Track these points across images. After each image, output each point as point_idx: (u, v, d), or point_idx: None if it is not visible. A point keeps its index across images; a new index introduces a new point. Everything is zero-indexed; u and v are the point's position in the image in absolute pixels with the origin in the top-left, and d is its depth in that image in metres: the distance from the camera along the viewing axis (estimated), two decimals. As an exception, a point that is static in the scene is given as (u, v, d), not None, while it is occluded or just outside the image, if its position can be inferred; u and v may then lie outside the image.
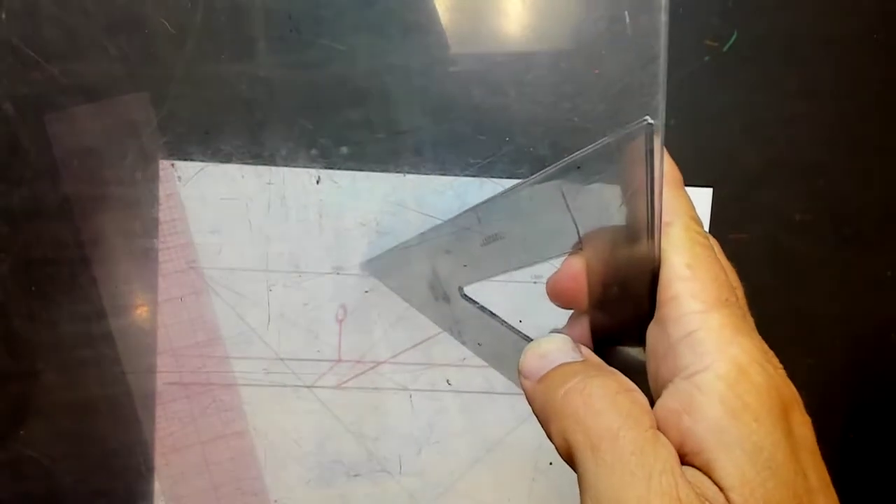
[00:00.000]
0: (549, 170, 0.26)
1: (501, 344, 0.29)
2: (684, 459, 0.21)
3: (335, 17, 0.32)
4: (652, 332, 0.23)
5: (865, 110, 0.35)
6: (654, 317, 0.23)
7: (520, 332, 0.29)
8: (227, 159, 0.33)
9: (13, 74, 0.32)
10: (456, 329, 0.31)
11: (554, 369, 0.23)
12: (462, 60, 0.33)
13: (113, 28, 0.32)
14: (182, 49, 0.32)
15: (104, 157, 0.33)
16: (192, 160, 0.33)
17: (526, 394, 0.24)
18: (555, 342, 0.25)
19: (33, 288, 0.33)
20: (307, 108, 0.33)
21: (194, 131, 0.33)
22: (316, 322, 0.34)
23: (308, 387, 0.34)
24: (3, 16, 0.31)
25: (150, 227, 0.33)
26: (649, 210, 0.23)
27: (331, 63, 0.33)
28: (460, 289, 0.30)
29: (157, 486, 0.34)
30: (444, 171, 0.34)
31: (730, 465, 0.20)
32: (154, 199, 0.33)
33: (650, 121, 0.22)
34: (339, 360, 0.34)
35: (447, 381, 0.35)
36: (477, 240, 0.28)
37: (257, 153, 0.33)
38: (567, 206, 0.26)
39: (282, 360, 0.34)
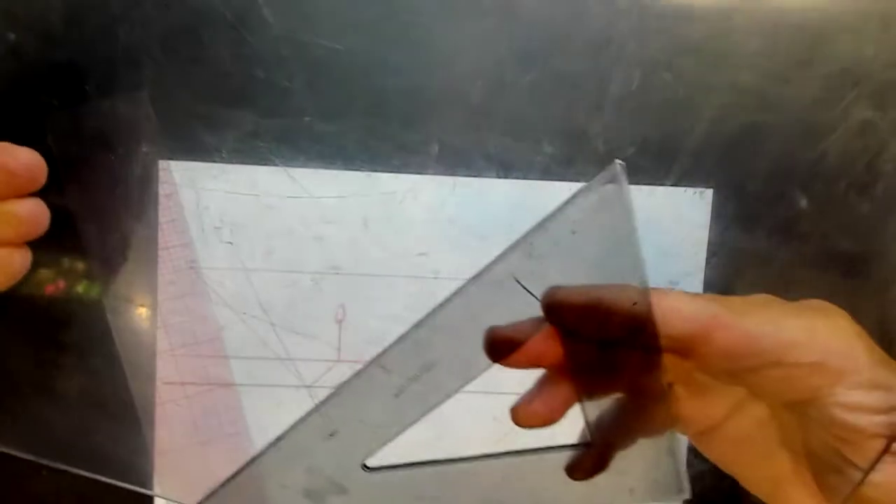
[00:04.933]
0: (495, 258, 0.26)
1: (448, 482, 0.29)
2: None
3: (336, 18, 0.32)
4: None
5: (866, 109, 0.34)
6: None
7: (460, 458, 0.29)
8: (227, 159, 0.33)
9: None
10: None
11: None
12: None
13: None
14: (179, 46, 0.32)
15: (104, 157, 0.32)
16: (192, 160, 0.33)
17: None
18: None
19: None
20: (307, 110, 0.33)
21: (195, 131, 0.33)
22: (315, 322, 0.34)
23: (308, 387, 0.35)
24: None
25: (150, 227, 0.33)
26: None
27: (333, 65, 0.32)
28: (363, 466, 0.29)
29: (158, 485, 0.34)
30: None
31: None
32: (154, 199, 0.33)
33: (620, 162, 0.23)
34: (339, 360, 0.35)
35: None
36: (386, 393, 0.27)
37: (258, 153, 0.33)
38: (523, 286, 0.26)
39: (281, 360, 0.34)
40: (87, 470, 0.34)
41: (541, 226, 0.25)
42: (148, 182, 0.33)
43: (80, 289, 0.33)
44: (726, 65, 0.31)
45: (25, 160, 0.28)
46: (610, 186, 0.24)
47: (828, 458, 0.26)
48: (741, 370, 0.27)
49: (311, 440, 0.28)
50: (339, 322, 0.34)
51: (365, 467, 0.29)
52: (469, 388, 0.28)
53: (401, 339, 0.27)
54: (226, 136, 0.33)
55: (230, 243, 0.34)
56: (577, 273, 0.26)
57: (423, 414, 0.28)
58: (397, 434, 0.28)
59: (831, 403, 0.25)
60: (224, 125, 0.33)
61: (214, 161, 0.33)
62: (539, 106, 0.32)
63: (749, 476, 0.29)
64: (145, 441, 0.34)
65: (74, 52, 0.31)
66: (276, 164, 0.33)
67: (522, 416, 0.28)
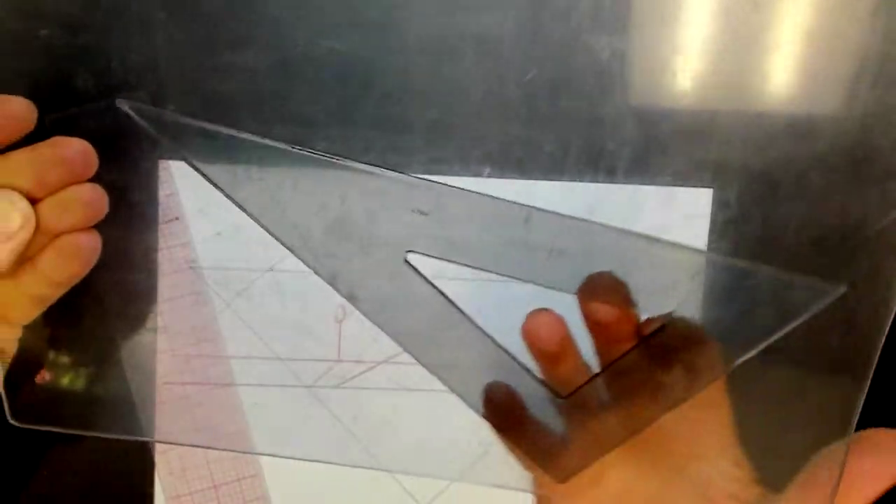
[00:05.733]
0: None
1: (444, 329, 0.29)
2: None
3: (336, 15, 0.32)
4: None
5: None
6: None
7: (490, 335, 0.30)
8: (227, 159, 0.33)
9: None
10: (357, 291, 0.29)
11: None
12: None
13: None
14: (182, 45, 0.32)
15: (104, 157, 0.33)
16: (192, 160, 0.33)
17: None
18: None
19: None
20: (306, 107, 0.33)
21: (195, 131, 0.33)
22: (316, 322, 0.34)
23: (308, 387, 0.34)
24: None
25: (150, 227, 0.33)
26: None
27: (332, 63, 0.33)
28: (405, 259, 0.29)
29: (158, 485, 0.34)
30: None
31: None
32: (154, 199, 0.33)
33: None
34: (339, 360, 0.34)
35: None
36: (504, 231, 0.27)
37: (258, 153, 0.33)
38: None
39: (281, 360, 0.34)
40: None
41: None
42: (148, 182, 0.33)
43: (65, 381, 0.34)
44: None
45: (78, 149, 0.30)
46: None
47: None
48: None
49: (396, 199, 0.27)
50: (340, 322, 0.34)
51: (406, 262, 0.28)
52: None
53: (564, 215, 0.27)
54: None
55: (230, 243, 0.34)
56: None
57: (509, 275, 0.27)
58: (470, 264, 0.28)
59: (712, 469, 0.30)
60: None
61: (215, 161, 0.33)
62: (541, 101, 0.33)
63: None
64: (145, 441, 0.34)
65: (97, 35, 0.32)
66: (279, 165, 0.33)
67: (537, 317, 0.30)
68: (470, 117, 0.33)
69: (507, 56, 0.33)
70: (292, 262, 0.34)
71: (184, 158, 0.33)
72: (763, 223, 0.34)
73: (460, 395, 0.30)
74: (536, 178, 0.33)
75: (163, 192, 0.33)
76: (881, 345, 0.31)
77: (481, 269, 0.29)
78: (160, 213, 0.33)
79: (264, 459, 0.34)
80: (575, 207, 0.33)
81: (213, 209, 0.33)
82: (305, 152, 0.29)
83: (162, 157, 0.33)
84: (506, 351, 0.30)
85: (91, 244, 0.30)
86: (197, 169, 0.31)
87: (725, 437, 0.31)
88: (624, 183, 0.33)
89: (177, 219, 0.33)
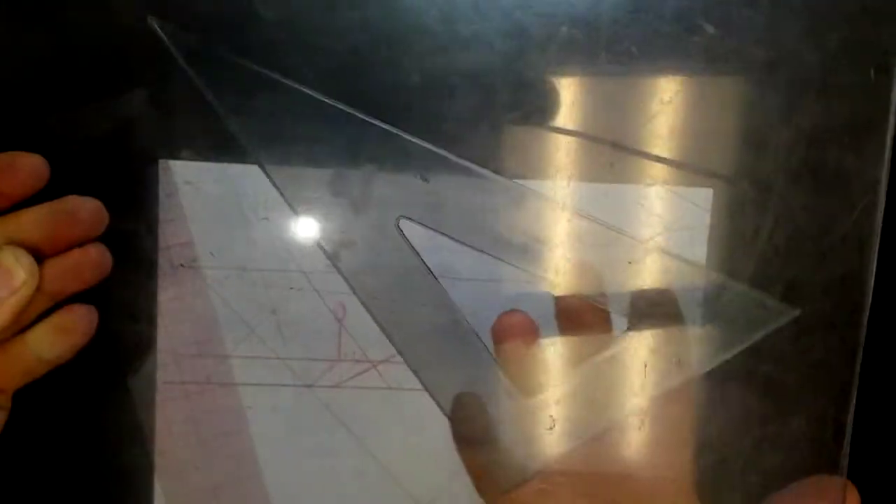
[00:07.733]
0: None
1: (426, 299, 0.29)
2: None
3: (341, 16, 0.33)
4: None
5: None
6: None
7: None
8: (227, 159, 0.33)
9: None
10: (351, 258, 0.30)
11: None
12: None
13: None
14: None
15: (104, 157, 0.33)
16: (192, 160, 0.33)
17: None
18: None
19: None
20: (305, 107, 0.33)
21: (195, 131, 0.33)
22: (315, 321, 0.34)
23: (308, 386, 0.34)
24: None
25: (150, 227, 0.33)
26: None
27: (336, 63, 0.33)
28: (398, 220, 0.29)
29: (158, 485, 0.34)
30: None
31: None
32: (154, 199, 0.33)
33: None
34: (339, 360, 0.34)
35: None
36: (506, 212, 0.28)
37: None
38: None
39: (281, 359, 0.34)
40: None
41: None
42: (148, 182, 0.33)
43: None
44: None
45: (92, 209, 0.31)
46: None
47: None
48: None
49: (404, 176, 0.28)
50: (339, 321, 0.34)
51: (397, 222, 0.29)
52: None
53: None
54: (228, 136, 0.33)
55: (230, 242, 0.34)
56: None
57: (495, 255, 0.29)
58: (459, 239, 0.29)
59: None
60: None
61: (215, 161, 0.33)
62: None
63: None
64: (145, 440, 0.34)
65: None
66: (278, 164, 0.33)
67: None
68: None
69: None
70: (292, 261, 0.34)
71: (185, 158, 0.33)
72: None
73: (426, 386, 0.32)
74: (540, 178, 0.34)
75: (163, 192, 0.33)
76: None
77: (471, 247, 0.29)
78: (160, 213, 0.33)
79: (264, 459, 0.34)
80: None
81: (214, 209, 0.34)
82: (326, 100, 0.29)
83: (162, 157, 0.33)
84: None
85: (87, 319, 0.31)
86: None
87: (684, 485, 0.32)
88: (623, 182, 0.33)
89: (177, 219, 0.33)
